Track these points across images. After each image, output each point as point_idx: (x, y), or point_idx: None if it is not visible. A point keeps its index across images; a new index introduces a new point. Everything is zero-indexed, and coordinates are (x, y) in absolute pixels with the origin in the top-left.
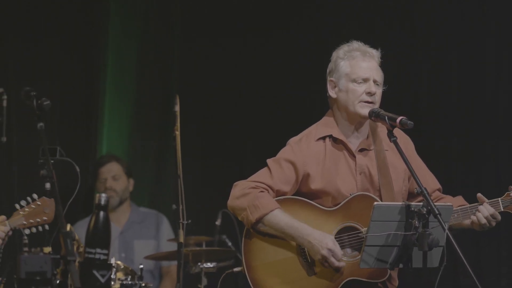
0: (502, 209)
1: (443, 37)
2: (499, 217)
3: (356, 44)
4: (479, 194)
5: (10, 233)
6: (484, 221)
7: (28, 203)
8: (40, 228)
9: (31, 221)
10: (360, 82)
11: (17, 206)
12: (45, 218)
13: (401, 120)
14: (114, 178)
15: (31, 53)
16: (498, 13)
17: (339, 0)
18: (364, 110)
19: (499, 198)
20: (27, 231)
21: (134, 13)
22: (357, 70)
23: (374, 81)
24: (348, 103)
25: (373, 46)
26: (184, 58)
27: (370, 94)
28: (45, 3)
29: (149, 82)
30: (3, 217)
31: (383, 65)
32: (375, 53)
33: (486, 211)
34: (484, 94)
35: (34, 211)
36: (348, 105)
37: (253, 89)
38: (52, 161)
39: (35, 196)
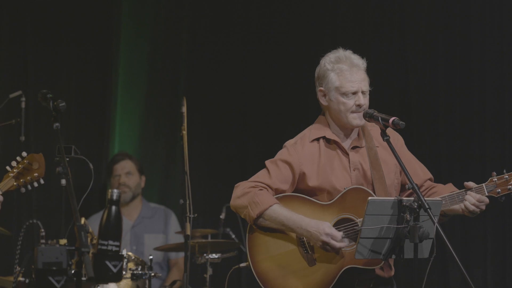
0: (487, 194)
1: (431, 37)
2: (487, 200)
3: (342, 54)
4: (466, 183)
5: (2, 198)
6: (472, 207)
7: (17, 162)
8: (35, 184)
9: (23, 180)
10: (350, 96)
11: (8, 168)
12: (36, 174)
13: (393, 120)
14: (128, 174)
15: (48, 57)
16: (484, 13)
17: (333, 2)
18: (356, 121)
19: (483, 184)
20: (22, 190)
21: (144, 21)
22: (346, 85)
23: (362, 92)
24: (340, 114)
25: (365, 46)
26: (191, 63)
27: (359, 106)
28: (61, 9)
29: (158, 85)
30: None
31: (375, 66)
32: (361, 63)
33: (472, 198)
34: (470, 93)
35: (23, 170)
36: (340, 116)
37: (256, 92)
38: (67, 159)
39: (23, 154)
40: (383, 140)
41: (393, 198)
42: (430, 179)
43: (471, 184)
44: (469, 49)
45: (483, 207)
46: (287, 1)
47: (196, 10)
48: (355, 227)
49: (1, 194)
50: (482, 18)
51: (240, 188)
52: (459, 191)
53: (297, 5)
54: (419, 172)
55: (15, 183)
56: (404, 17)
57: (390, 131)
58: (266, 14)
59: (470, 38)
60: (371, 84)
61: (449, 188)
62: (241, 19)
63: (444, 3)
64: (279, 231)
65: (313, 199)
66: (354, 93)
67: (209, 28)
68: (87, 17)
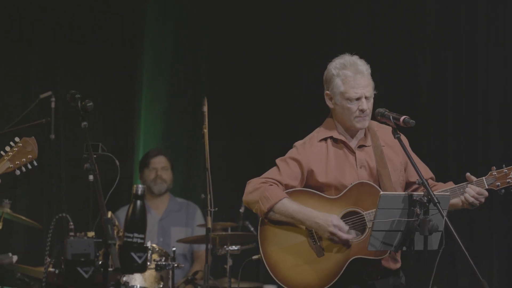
0: (487, 187)
1: (439, 40)
2: (486, 193)
3: (347, 60)
4: (467, 174)
5: None
6: (471, 199)
7: (11, 147)
8: (29, 166)
9: (17, 162)
10: (353, 101)
11: (2, 152)
12: (30, 156)
13: (404, 119)
14: (164, 168)
15: (76, 59)
16: (490, 15)
17: (346, 7)
18: (359, 124)
19: (484, 177)
20: (17, 172)
21: (167, 25)
22: (349, 91)
23: (366, 97)
24: (345, 118)
25: (375, 48)
26: (212, 64)
27: (362, 111)
28: (87, 13)
29: (181, 85)
30: None
31: (385, 68)
32: (365, 69)
33: (471, 191)
34: (476, 93)
35: (17, 153)
36: (345, 120)
37: (273, 93)
38: (94, 156)
39: (16, 139)
40: (394, 137)
41: (404, 193)
42: (431, 178)
43: (472, 177)
44: (475, 50)
45: (482, 200)
46: (306, 4)
47: (216, 13)
48: (361, 219)
49: None
50: (488, 20)
51: (252, 184)
52: (459, 185)
53: (314, 9)
54: (422, 171)
55: (10, 165)
56: (412, 19)
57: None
58: (286, 16)
59: (475, 38)
60: (377, 87)
61: (450, 186)
62: (260, 22)
63: (452, 5)
64: (289, 224)
65: (322, 194)
66: (358, 98)
67: (229, 31)
68: (112, 19)
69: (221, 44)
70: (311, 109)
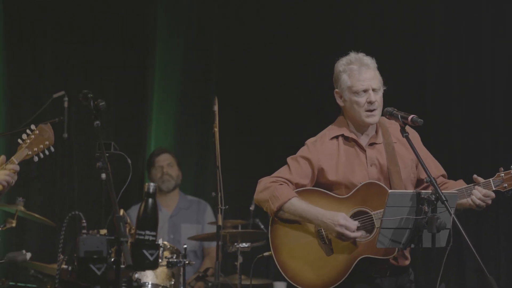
0: (494, 189)
1: (446, 38)
2: (493, 195)
3: (353, 57)
4: (475, 176)
5: (18, 168)
6: (478, 201)
7: (28, 135)
8: (46, 152)
9: (35, 149)
10: (361, 94)
11: (19, 140)
12: (47, 142)
13: (412, 118)
14: (169, 165)
15: (88, 59)
16: (495, 16)
17: (354, 4)
18: (369, 119)
19: (491, 179)
20: (36, 159)
21: (178, 24)
22: (356, 84)
23: (373, 89)
24: (355, 113)
25: (384, 48)
26: (223, 64)
27: (370, 103)
28: (99, 13)
29: (192, 85)
30: (3, 157)
31: (394, 68)
32: (370, 62)
33: (478, 193)
34: (482, 93)
35: (34, 140)
36: (354, 115)
37: (283, 92)
38: (107, 155)
39: (32, 126)
40: (402, 136)
41: (412, 191)
42: (443, 175)
43: (479, 178)
44: (480, 49)
45: (489, 202)
46: (316, 4)
47: (227, 13)
48: (370, 218)
49: (17, 164)
50: (493, 19)
51: (262, 183)
52: (467, 186)
53: (324, 8)
54: (433, 168)
55: (29, 153)
56: (421, 20)
57: (408, 128)
58: (296, 15)
59: (481, 37)
60: (386, 83)
61: (460, 184)
62: (270, 22)
63: (459, 6)
64: (299, 223)
65: (331, 193)
66: (365, 90)
67: (239, 31)
68: (125, 20)
69: (231, 44)
70: (321, 107)
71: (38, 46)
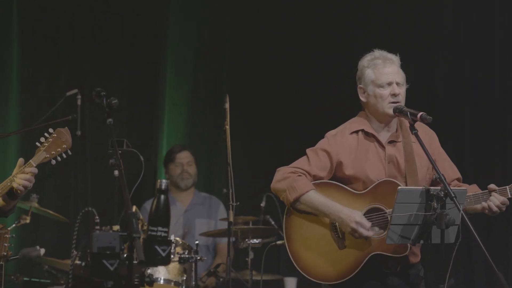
0: (510, 196)
1: (455, 37)
2: (508, 202)
3: (377, 53)
4: (490, 185)
5: (36, 170)
6: (495, 208)
7: (46, 138)
8: (64, 155)
9: (53, 152)
10: (385, 86)
11: (37, 143)
12: (64, 146)
13: (421, 115)
14: (189, 163)
15: (101, 58)
16: (507, 15)
17: (366, 7)
18: (391, 110)
19: (507, 186)
20: (53, 162)
21: (190, 24)
22: (380, 77)
23: (397, 83)
24: (378, 105)
25: (397, 49)
26: (234, 63)
27: (394, 95)
28: (112, 13)
29: (203, 83)
30: (21, 160)
31: (406, 68)
32: (395, 58)
33: (496, 200)
34: (492, 92)
35: (52, 143)
36: (377, 107)
37: (292, 89)
38: (119, 152)
39: (50, 130)
40: (412, 133)
41: (421, 187)
42: (457, 179)
43: (493, 186)
44: (492, 50)
45: (504, 209)
46: (328, 4)
47: (238, 12)
48: (384, 216)
49: (35, 167)
50: (505, 19)
51: (281, 172)
52: (483, 191)
53: (335, 8)
54: (448, 170)
55: (46, 156)
56: (430, 20)
57: (425, 128)
58: (307, 15)
59: (493, 38)
60: (407, 81)
61: (473, 189)
62: (281, 21)
63: (469, 6)
64: (314, 215)
65: (348, 188)
66: (389, 84)
67: (250, 30)
68: (137, 19)
69: (242, 43)
70: (327, 106)
71: (52, 45)
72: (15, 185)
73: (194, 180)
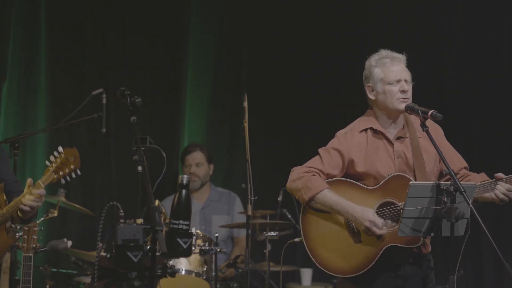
0: None
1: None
2: None
3: (384, 52)
4: (497, 174)
5: (44, 192)
6: (502, 196)
7: (55, 157)
8: (73, 175)
9: (61, 173)
10: (394, 84)
11: (47, 162)
12: (72, 166)
13: (432, 113)
14: (198, 165)
15: (125, 58)
16: None
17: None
18: (401, 106)
19: None
20: (62, 181)
21: (210, 28)
22: (389, 75)
23: (405, 80)
24: (387, 102)
25: (408, 49)
26: (252, 63)
27: (403, 91)
28: (136, 15)
29: (223, 83)
30: (30, 180)
31: (414, 66)
32: (402, 57)
33: (502, 188)
34: (500, 91)
35: (61, 164)
36: (387, 104)
37: (308, 89)
38: (143, 148)
39: (60, 149)
40: (423, 130)
41: (431, 182)
42: (465, 168)
43: (500, 175)
44: (501, 48)
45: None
46: (343, 4)
47: (256, 13)
48: (397, 209)
49: (43, 188)
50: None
51: (296, 172)
52: (491, 180)
53: (349, 10)
54: (456, 161)
55: (55, 176)
56: (437, 21)
57: (431, 123)
58: (323, 15)
59: (502, 37)
60: (412, 79)
61: (482, 177)
62: (298, 21)
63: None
64: (329, 212)
65: (360, 184)
66: (398, 81)
67: (267, 33)
68: (159, 23)
69: (260, 43)
70: (342, 104)
71: (78, 48)
72: (21, 206)
73: (203, 181)
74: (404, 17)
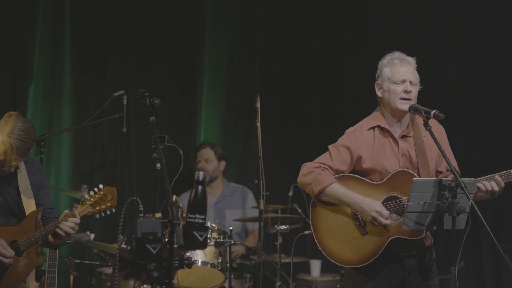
0: None
1: (466, 46)
2: (503, 184)
3: (396, 54)
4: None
5: (79, 221)
6: (489, 187)
7: (95, 192)
8: (108, 212)
9: (97, 208)
10: (399, 83)
11: (86, 196)
12: (109, 204)
13: (434, 113)
14: (206, 160)
15: (144, 62)
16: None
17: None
18: (403, 106)
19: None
20: (97, 216)
21: (224, 32)
22: (396, 74)
23: (410, 82)
24: (391, 100)
25: (414, 50)
26: (264, 66)
27: (406, 92)
28: (153, 20)
29: (237, 84)
30: (67, 211)
31: (421, 70)
32: (411, 60)
33: (487, 182)
34: (499, 93)
35: (99, 200)
36: (390, 102)
37: (318, 90)
38: (161, 147)
39: (100, 186)
40: (426, 129)
41: (434, 178)
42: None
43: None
44: (500, 49)
45: (502, 185)
46: (356, 5)
47: (269, 15)
48: (401, 203)
49: (79, 218)
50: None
51: (306, 167)
52: (489, 176)
53: (361, 10)
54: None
55: (91, 210)
56: (442, 21)
57: (435, 124)
58: (335, 16)
59: (501, 37)
60: (420, 83)
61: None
62: (310, 23)
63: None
64: (337, 205)
65: (366, 179)
66: (403, 81)
67: (279, 37)
68: (176, 24)
69: (272, 48)
70: (350, 104)
71: (100, 51)
72: (58, 230)
73: (212, 176)
74: (413, 17)
